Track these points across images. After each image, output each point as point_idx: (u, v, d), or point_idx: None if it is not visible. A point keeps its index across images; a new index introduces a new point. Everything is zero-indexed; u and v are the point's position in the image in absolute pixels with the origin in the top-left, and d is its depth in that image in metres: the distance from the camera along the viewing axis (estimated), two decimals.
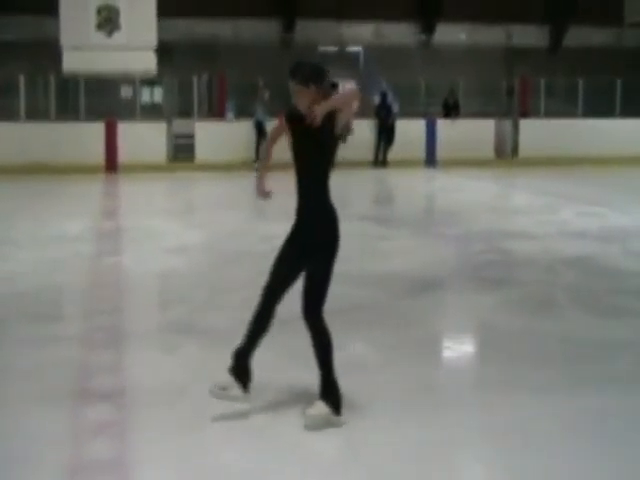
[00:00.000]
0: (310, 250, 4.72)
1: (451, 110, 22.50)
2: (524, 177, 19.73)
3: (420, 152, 21.52)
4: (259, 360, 4.88)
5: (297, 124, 4.63)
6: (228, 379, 4.73)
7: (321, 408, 4.64)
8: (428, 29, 26.41)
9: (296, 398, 5.11)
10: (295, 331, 5.21)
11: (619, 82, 23.60)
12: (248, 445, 4.51)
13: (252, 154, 20.29)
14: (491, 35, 26.18)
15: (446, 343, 6.94)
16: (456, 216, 13.32)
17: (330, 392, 4.68)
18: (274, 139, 4.93)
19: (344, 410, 4.74)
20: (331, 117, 4.51)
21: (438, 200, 16.82)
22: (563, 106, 23.59)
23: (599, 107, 23.11)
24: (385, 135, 21.03)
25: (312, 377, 4.84)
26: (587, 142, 21.77)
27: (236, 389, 4.73)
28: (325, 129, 4.53)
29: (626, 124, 22.66)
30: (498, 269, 9.45)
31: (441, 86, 22.69)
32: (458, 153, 20.98)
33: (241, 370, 4.74)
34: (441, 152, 21.36)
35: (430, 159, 21.47)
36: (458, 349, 6.76)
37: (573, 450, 4.48)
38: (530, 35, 26.58)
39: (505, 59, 25.58)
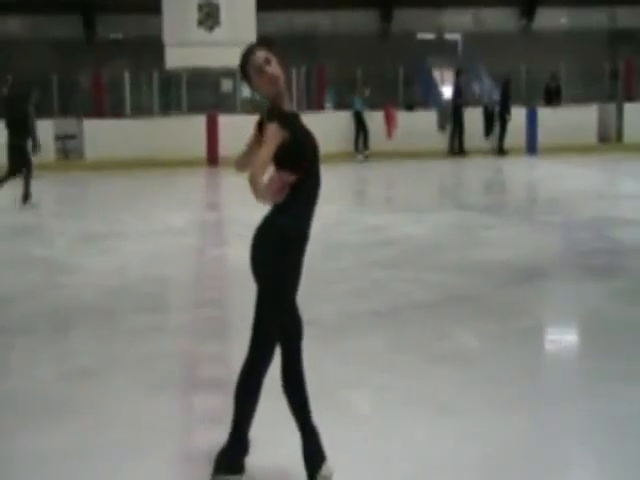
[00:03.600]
0: None
1: (553, 96, 22.06)
2: (630, 162, 19.21)
3: (521, 140, 21.17)
4: None
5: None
6: None
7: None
8: (528, 14, 25.94)
9: None
10: None
11: None
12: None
13: (351, 145, 20.36)
14: (593, 18, 25.54)
15: (553, 333, 6.83)
16: (560, 203, 13.07)
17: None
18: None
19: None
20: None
21: (541, 188, 16.52)
22: None
23: None
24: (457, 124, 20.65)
25: None
26: None
27: None
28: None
29: None
30: (605, 257, 9.23)
31: (542, 72, 22.24)
32: (560, 140, 20.56)
33: None
34: (543, 139, 20.96)
35: (531, 147, 21.09)
36: (565, 339, 6.64)
37: None
38: (634, 16, 25.80)
39: (608, 42, 24.94)
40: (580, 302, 7.43)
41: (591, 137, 21.70)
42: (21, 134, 13.58)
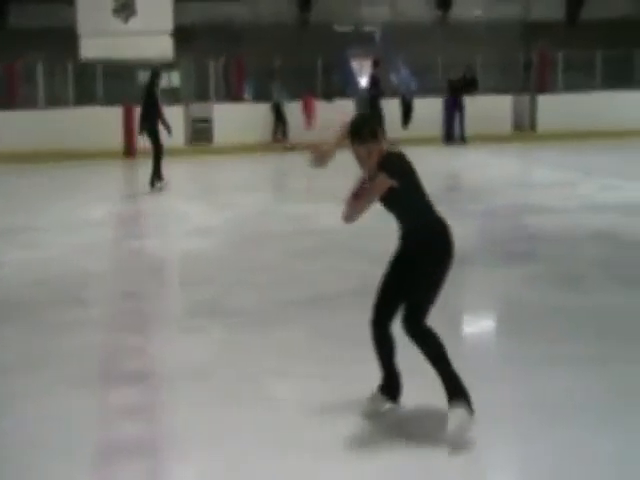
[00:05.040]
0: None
1: (468, 87, 22.29)
2: (544, 152, 19.61)
3: (437, 129, 21.42)
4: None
5: None
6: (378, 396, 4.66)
7: (460, 414, 4.28)
8: (444, 5, 26.22)
9: (329, 376, 5.13)
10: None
11: (638, 53, 23.37)
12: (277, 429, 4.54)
13: (271, 136, 20.32)
14: (508, 9, 25.94)
15: (473, 318, 6.95)
16: (479, 192, 13.27)
17: (457, 392, 4.36)
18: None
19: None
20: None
21: (460, 176, 16.75)
22: (581, 79, 23.36)
23: (618, 79, 22.89)
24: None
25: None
26: (606, 115, 21.54)
27: (387, 403, 4.66)
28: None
29: None
30: (523, 244, 9.43)
31: (459, 63, 22.52)
32: (476, 129, 20.85)
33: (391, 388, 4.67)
34: (459, 128, 21.24)
35: (449, 136, 21.36)
36: (485, 324, 6.77)
37: (609, 424, 4.48)
38: (548, 8, 26.31)
39: (522, 33, 25.36)
40: (499, 288, 7.58)
41: (506, 127, 22.08)
42: None
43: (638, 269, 8.07)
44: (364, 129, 4.48)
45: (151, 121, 14.04)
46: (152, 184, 13.96)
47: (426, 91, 21.65)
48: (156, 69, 15.15)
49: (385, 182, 4.38)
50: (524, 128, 22.28)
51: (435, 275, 4.49)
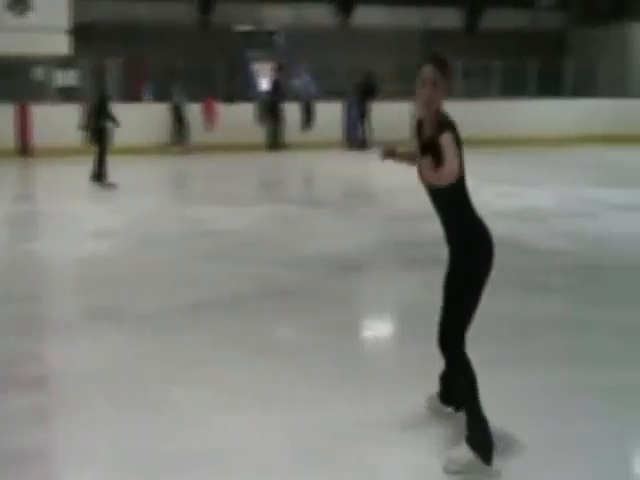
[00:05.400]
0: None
1: (367, 93, 22.43)
2: None
3: (339, 134, 21.54)
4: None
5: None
6: None
7: (464, 452, 4.04)
8: (346, 11, 26.42)
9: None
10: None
11: (533, 64, 24.00)
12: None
13: (169, 138, 20.07)
14: (409, 17, 26.32)
15: (371, 323, 6.97)
16: (379, 197, 13.38)
17: (475, 435, 4.06)
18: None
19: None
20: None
21: (359, 181, 16.85)
22: (480, 88, 23.88)
23: (514, 88, 23.48)
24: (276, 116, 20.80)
25: None
26: (503, 123, 22.06)
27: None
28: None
29: (540, 105, 23.06)
30: (423, 249, 9.52)
31: (361, 68, 22.69)
32: (376, 135, 21.01)
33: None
34: (359, 134, 21.39)
35: (348, 141, 21.49)
36: (383, 329, 6.80)
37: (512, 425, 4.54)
38: (447, 17, 26.83)
39: (423, 42, 25.74)
40: (396, 292, 7.63)
41: (406, 133, 22.23)
42: None
43: (533, 274, 8.24)
44: (447, 62, 4.05)
45: (95, 120, 14.35)
46: (98, 179, 14.27)
47: (328, 96, 21.75)
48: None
49: (453, 144, 3.89)
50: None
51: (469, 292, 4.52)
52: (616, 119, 22.83)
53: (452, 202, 4.14)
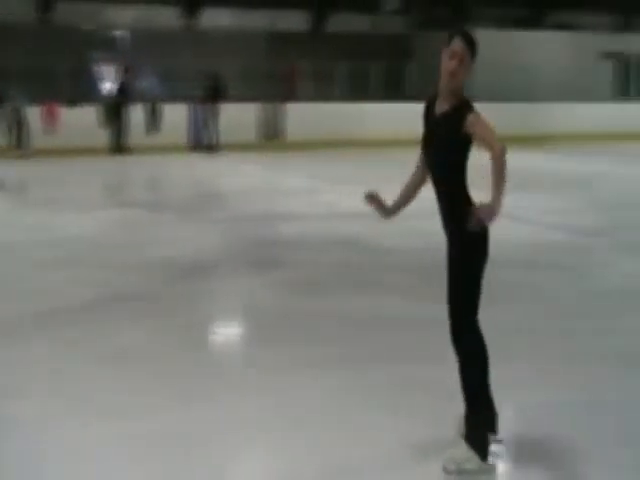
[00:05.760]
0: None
1: (214, 95, 22.36)
2: (291, 160, 20.05)
3: (184, 136, 21.36)
4: None
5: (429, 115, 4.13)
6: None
7: (462, 451, 4.05)
8: (192, 13, 26.25)
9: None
10: None
11: (377, 67, 24.53)
12: None
13: (8, 141, 19.35)
14: (255, 20, 26.39)
15: (219, 326, 6.96)
16: (226, 200, 13.36)
17: (474, 434, 4.06)
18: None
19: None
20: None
21: (207, 184, 16.75)
22: (325, 90, 24.20)
23: (359, 91, 23.93)
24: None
25: None
26: (349, 125, 22.39)
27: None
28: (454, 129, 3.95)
29: (383, 107, 23.53)
30: (268, 251, 9.58)
31: (207, 71, 22.58)
32: (223, 137, 20.97)
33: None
34: (205, 136, 21.28)
35: (197, 144, 21.35)
36: (231, 332, 6.81)
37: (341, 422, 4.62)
38: (293, 20, 27.06)
39: (269, 44, 25.87)
40: (244, 295, 7.65)
41: (252, 135, 22.31)
42: None
43: (375, 273, 8.42)
44: (476, 43, 3.98)
45: None
46: None
47: (174, 98, 21.53)
48: None
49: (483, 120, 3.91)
50: (273, 137, 22.66)
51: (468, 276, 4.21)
52: None
53: (454, 189, 4.14)
